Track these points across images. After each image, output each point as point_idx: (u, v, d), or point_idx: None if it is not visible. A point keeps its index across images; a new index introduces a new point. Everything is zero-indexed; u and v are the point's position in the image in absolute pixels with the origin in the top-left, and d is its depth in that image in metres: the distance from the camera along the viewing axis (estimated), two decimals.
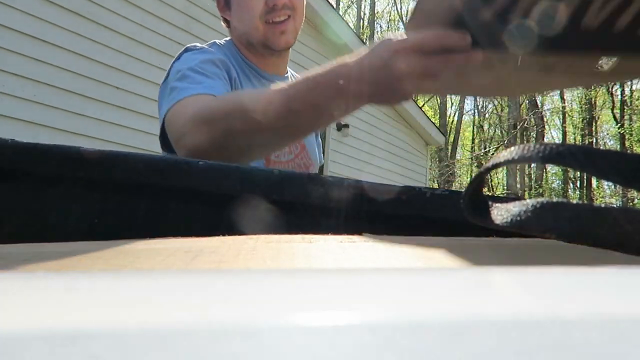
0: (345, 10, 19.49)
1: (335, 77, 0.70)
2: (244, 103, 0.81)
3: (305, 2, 1.16)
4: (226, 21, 1.17)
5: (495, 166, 0.25)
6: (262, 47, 1.10)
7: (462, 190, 0.30)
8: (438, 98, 17.03)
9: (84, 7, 3.68)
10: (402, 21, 19.26)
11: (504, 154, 0.24)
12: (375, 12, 19.08)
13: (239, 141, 0.80)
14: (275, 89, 0.77)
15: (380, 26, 19.64)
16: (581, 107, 15.89)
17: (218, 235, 0.41)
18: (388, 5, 19.62)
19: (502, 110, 17.75)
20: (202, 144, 0.81)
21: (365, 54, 0.70)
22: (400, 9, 19.41)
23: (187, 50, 1.06)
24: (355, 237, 0.40)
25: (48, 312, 0.13)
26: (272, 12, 1.07)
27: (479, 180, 0.26)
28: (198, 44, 1.09)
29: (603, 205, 0.23)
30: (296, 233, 0.41)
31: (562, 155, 0.22)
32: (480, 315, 0.14)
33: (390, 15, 19.69)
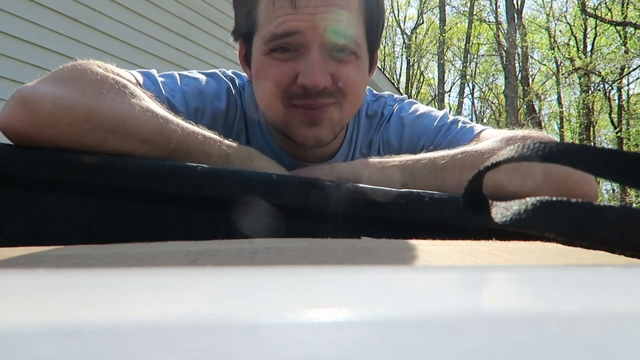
0: None
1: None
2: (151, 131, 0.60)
3: (366, 81, 0.78)
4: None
5: (495, 165, 0.25)
6: (283, 132, 0.77)
7: (460, 195, 0.30)
8: (436, 103, 17.09)
9: (83, 13, 3.68)
10: (400, 27, 19.36)
11: (504, 153, 0.24)
12: None
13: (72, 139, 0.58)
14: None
15: None
16: (579, 112, 15.92)
17: (217, 239, 0.41)
18: (386, 11, 19.68)
19: (500, 115, 17.78)
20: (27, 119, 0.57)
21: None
22: (398, 14, 19.51)
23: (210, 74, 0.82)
24: (355, 240, 0.40)
25: (50, 308, 0.13)
26: (302, 98, 0.71)
27: (479, 179, 0.26)
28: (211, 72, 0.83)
29: (602, 204, 0.23)
30: (295, 237, 0.41)
31: (562, 153, 0.22)
32: (478, 311, 0.14)
33: (387, 22, 19.76)
